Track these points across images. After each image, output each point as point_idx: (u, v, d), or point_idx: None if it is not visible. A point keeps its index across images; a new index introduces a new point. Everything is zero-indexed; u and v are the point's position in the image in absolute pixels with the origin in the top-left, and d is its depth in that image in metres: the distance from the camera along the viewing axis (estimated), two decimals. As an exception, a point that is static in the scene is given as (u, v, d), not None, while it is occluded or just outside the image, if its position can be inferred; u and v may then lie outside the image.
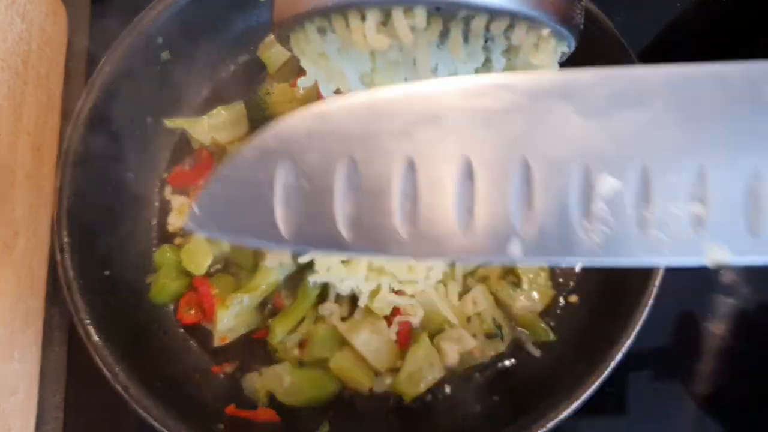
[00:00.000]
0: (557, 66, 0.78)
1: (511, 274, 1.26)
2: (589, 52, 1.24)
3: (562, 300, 1.27)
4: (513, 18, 0.69)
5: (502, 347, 1.22)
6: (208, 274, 1.29)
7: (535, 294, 1.25)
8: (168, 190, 1.38)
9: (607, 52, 1.21)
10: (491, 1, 0.65)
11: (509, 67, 0.76)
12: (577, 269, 1.28)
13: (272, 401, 1.21)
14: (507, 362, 1.24)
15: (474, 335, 1.20)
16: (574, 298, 1.26)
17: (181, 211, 1.36)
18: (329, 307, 1.23)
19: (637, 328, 1.04)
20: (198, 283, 1.27)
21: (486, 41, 0.74)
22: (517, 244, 0.51)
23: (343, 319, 1.24)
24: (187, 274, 1.28)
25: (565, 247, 0.51)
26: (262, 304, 1.27)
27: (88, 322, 1.12)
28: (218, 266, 1.31)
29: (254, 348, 1.27)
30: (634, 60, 1.18)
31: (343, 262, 1.17)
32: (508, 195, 0.51)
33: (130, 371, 1.10)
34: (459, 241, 0.52)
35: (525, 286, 1.24)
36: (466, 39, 0.72)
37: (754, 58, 0.59)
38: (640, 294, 1.07)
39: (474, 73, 0.76)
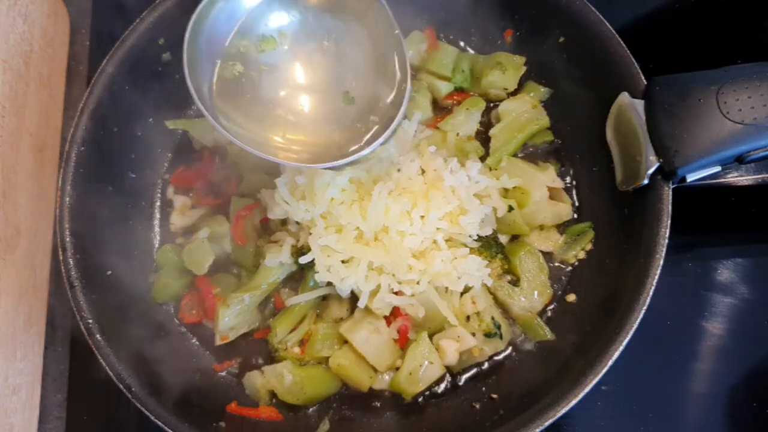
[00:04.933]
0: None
1: (510, 274, 1.27)
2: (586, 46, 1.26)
3: (559, 299, 1.27)
4: None
5: (501, 346, 1.23)
6: (210, 274, 1.29)
7: (534, 293, 1.25)
8: (170, 190, 1.39)
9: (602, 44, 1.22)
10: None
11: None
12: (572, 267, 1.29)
13: (273, 399, 1.22)
14: (506, 361, 1.25)
15: (473, 334, 1.21)
16: (572, 297, 1.26)
17: (182, 211, 1.36)
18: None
19: (635, 326, 1.05)
20: (199, 283, 1.28)
21: None
22: None
23: (343, 318, 1.25)
24: (189, 274, 1.29)
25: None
26: (263, 304, 1.28)
27: (90, 321, 1.12)
28: (219, 266, 1.32)
29: (255, 347, 1.28)
30: (628, 52, 1.19)
31: (343, 261, 1.18)
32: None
33: (131, 370, 1.11)
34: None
35: (524, 285, 1.25)
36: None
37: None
38: (637, 293, 1.07)
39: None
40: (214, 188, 1.36)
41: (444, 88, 1.39)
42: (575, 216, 1.32)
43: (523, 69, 1.38)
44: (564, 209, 1.29)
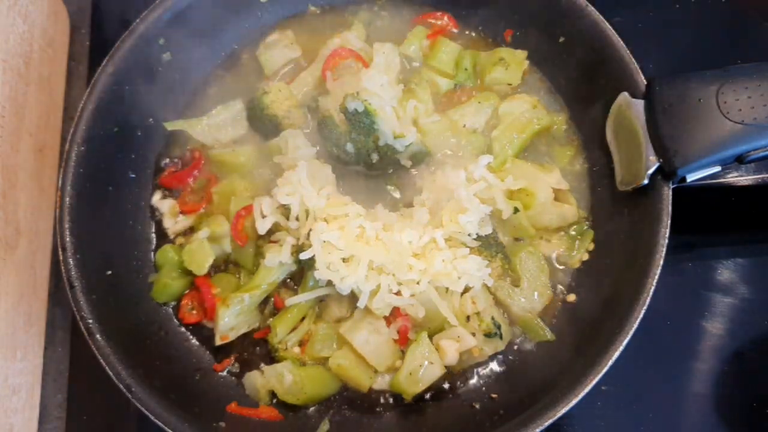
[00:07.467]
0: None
1: (511, 275, 1.27)
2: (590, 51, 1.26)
3: (560, 299, 1.27)
4: None
5: (501, 346, 1.23)
6: (209, 274, 1.29)
7: (534, 294, 1.25)
8: (157, 196, 1.37)
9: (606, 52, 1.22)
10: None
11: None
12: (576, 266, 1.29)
13: (273, 399, 1.22)
14: (505, 361, 1.25)
15: (473, 334, 1.21)
16: (572, 298, 1.26)
17: (173, 213, 1.35)
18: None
19: (635, 326, 1.05)
20: (199, 283, 1.28)
21: None
22: None
23: (343, 318, 1.25)
24: (189, 274, 1.28)
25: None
26: (263, 304, 1.28)
27: (90, 321, 1.12)
28: (219, 266, 1.31)
29: (255, 347, 1.28)
30: (628, 52, 1.19)
31: (343, 259, 1.17)
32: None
33: (131, 370, 1.10)
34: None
35: (524, 285, 1.25)
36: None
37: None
38: (637, 293, 1.07)
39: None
40: (200, 189, 1.36)
41: (444, 84, 1.39)
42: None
43: (526, 63, 1.37)
44: (569, 211, 1.28)
